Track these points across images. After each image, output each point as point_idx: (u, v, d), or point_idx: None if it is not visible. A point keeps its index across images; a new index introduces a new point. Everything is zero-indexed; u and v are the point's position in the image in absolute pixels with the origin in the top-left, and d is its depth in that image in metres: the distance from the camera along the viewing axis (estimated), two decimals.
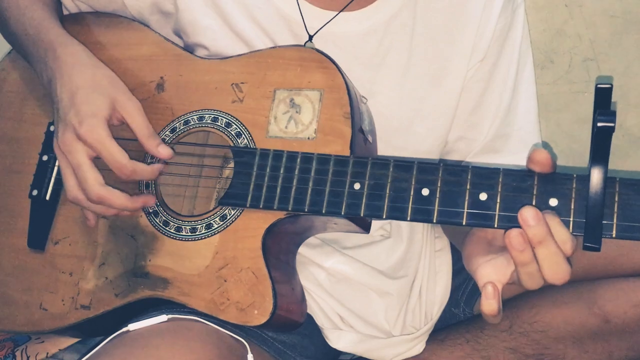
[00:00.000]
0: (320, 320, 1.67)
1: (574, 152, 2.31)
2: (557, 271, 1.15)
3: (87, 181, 1.39)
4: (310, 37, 1.54)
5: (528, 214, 1.13)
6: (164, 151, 1.43)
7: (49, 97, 1.49)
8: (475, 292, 1.82)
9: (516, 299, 1.74)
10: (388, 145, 1.55)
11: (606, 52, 2.25)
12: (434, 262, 1.79)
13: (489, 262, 1.23)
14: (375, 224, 1.67)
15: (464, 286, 1.81)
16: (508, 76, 1.63)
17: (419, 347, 1.75)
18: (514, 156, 1.62)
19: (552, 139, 2.31)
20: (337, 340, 1.67)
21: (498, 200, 1.19)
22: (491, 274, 1.22)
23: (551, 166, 1.18)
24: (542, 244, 1.13)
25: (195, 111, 1.48)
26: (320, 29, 1.54)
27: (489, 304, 1.19)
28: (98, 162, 1.40)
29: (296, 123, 1.39)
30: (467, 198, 1.21)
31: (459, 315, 1.83)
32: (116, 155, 1.38)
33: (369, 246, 1.68)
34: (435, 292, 1.79)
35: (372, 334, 1.69)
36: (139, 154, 1.45)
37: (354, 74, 1.48)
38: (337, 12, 1.55)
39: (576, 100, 2.30)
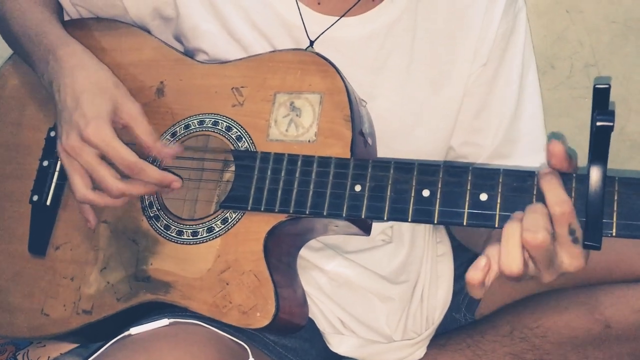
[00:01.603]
0: (321, 324, 1.67)
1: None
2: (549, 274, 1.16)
3: (105, 179, 1.39)
4: (312, 43, 1.55)
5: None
6: (172, 150, 1.44)
7: (50, 98, 1.49)
8: None
9: (517, 304, 1.74)
10: (389, 148, 1.55)
11: (607, 58, 2.25)
12: (435, 267, 1.79)
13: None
14: (377, 228, 1.67)
15: (465, 291, 1.81)
16: (512, 80, 1.63)
17: (420, 352, 1.75)
18: (521, 161, 1.62)
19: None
20: (338, 344, 1.67)
21: (499, 201, 1.19)
22: (496, 255, 1.17)
23: (567, 159, 1.18)
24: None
25: (196, 115, 1.48)
26: (322, 34, 1.55)
27: (474, 273, 1.17)
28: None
29: (296, 126, 1.40)
30: (467, 199, 1.21)
31: (460, 320, 1.83)
32: (124, 154, 1.38)
33: (371, 251, 1.68)
34: (437, 297, 1.79)
35: (373, 338, 1.69)
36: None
37: (355, 78, 1.48)
38: (338, 18, 1.55)
39: (577, 106, 2.30)
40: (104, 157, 1.40)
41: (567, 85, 2.29)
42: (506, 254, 1.15)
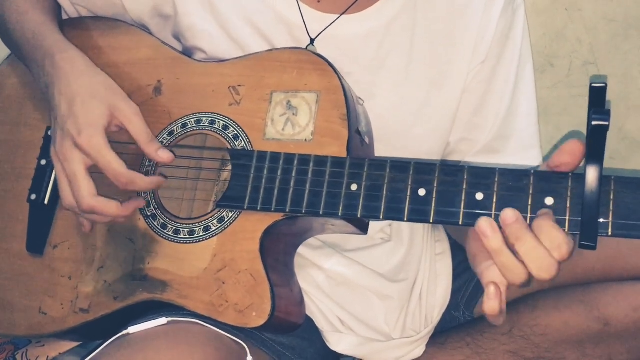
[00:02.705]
0: (320, 323, 1.67)
1: None
2: (541, 266, 1.13)
3: (79, 192, 1.39)
4: (312, 41, 1.55)
5: (507, 214, 1.13)
6: (164, 155, 1.43)
7: (46, 101, 1.49)
8: (475, 295, 1.82)
9: (517, 302, 1.74)
10: (388, 146, 1.55)
11: (606, 56, 2.26)
12: (434, 266, 1.79)
13: (494, 266, 1.21)
14: (376, 227, 1.67)
15: (464, 289, 1.81)
16: (509, 77, 1.63)
17: (419, 351, 1.75)
18: (512, 157, 1.63)
19: (552, 142, 2.32)
20: (337, 343, 1.67)
21: (494, 200, 1.19)
22: (496, 277, 1.19)
23: (578, 162, 1.17)
24: (519, 240, 1.13)
25: (193, 114, 1.48)
26: (322, 32, 1.55)
27: (491, 304, 1.17)
28: (95, 168, 1.41)
29: (293, 125, 1.39)
30: (463, 198, 1.21)
31: (459, 318, 1.83)
32: (113, 164, 1.38)
33: (370, 249, 1.68)
34: (436, 295, 1.79)
35: (372, 337, 1.69)
36: (137, 157, 1.45)
37: (354, 77, 1.48)
38: (338, 15, 1.55)
39: (576, 104, 2.30)
40: (95, 167, 1.40)
41: (566, 83, 2.29)
42: (510, 274, 1.16)
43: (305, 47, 1.55)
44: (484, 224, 1.14)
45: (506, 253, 1.14)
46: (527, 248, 1.13)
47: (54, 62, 1.48)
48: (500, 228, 1.14)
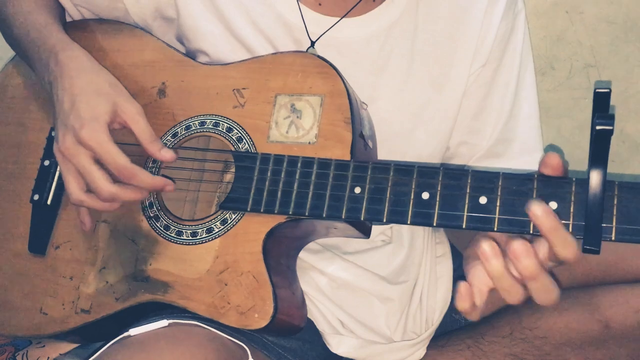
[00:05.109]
0: (320, 325, 1.66)
1: (574, 158, 2.31)
2: (547, 298, 1.17)
3: (97, 182, 1.39)
4: (313, 43, 1.55)
5: (517, 248, 1.13)
6: (167, 155, 1.43)
7: (50, 100, 1.49)
8: None
9: (517, 305, 1.74)
10: (390, 150, 1.55)
11: (606, 59, 2.26)
12: (434, 268, 1.79)
13: (479, 265, 1.22)
14: (376, 229, 1.67)
15: None
16: (510, 80, 1.63)
17: (419, 353, 1.75)
18: (516, 161, 1.63)
19: (553, 145, 2.32)
20: (338, 345, 1.67)
21: (498, 204, 1.19)
22: (481, 276, 1.21)
23: (562, 172, 1.18)
24: (533, 280, 1.15)
25: (197, 116, 1.48)
26: (323, 34, 1.55)
27: (460, 303, 1.21)
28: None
29: (297, 128, 1.40)
30: (467, 202, 1.21)
31: (460, 321, 1.83)
32: (117, 158, 1.38)
33: (370, 251, 1.68)
34: (436, 297, 1.79)
35: (372, 339, 1.68)
36: (141, 159, 1.45)
37: (356, 80, 1.48)
38: (339, 18, 1.55)
39: (577, 106, 2.30)
40: (99, 161, 1.40)
41: (567, 85, 2.29)
42: (507, 294, 1.18)
43: (305, 49, 1.55)
44: (486, 248, 1.15)
45: (507, 278, 1.16)
46: (538, 285, 1.15)
47: (57, 60, 1.48)
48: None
